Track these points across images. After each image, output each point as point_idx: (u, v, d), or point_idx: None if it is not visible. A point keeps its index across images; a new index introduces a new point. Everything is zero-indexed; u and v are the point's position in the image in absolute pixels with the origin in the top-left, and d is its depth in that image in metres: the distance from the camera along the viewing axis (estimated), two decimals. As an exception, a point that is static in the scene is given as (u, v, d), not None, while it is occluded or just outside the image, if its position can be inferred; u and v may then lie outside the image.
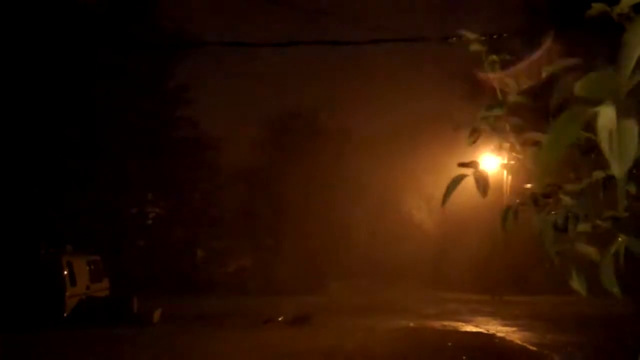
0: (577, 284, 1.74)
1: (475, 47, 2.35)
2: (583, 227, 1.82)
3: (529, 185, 2.04)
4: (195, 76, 33.62)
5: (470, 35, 2.41)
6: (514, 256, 27.93)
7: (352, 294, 30.61)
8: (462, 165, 2.35)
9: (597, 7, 1.77)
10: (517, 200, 2.09)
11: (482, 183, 2.32)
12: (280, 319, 19.41)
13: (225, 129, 41.79)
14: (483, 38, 2.35)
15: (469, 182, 2.27)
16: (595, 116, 1.26)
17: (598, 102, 1.26)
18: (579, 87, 1.28)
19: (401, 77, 51.12)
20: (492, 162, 14.74)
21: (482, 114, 2.32)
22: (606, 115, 1.24)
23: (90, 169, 27.82)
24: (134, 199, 32.78)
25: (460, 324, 19.34)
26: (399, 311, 22.52)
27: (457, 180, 2.29)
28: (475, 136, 2.36)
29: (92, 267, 20.29)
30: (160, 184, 33.33)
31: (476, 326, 18.81)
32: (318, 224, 38.15)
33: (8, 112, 24.38)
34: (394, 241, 39.37)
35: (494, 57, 2.33)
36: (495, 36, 13.64)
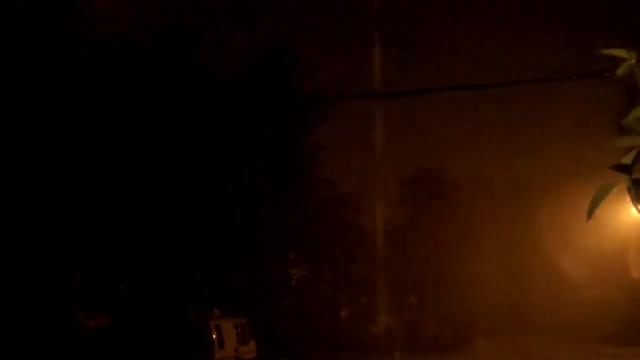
0: None
1: (622, 70, 2.21)
2: None
3: None
4: (332, 135, 34.11)
5: (617, 52, 2.26)
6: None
7: (499, 351, 29.68)
8: (615, 168, 1.92)
9: None
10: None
11: (638, 193, 1.87)
12: None
13: (363, 186, 41.77)
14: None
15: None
16: None
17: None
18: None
19: (547, 121, 48.46)
20: None
21: (633, 114, 2.13)
22: None
23: (235, 233, 28.63)
24: (278, 261, 33.38)
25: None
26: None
27: (607, 188, 1.95)
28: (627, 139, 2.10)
29: (239, 329, 20.80)
30: (303, 245, 33.76)
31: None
32: (461, 278, 37.41)
33: (159, 181, 25.77)
34: (540, 294, 37.99)
35: None
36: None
